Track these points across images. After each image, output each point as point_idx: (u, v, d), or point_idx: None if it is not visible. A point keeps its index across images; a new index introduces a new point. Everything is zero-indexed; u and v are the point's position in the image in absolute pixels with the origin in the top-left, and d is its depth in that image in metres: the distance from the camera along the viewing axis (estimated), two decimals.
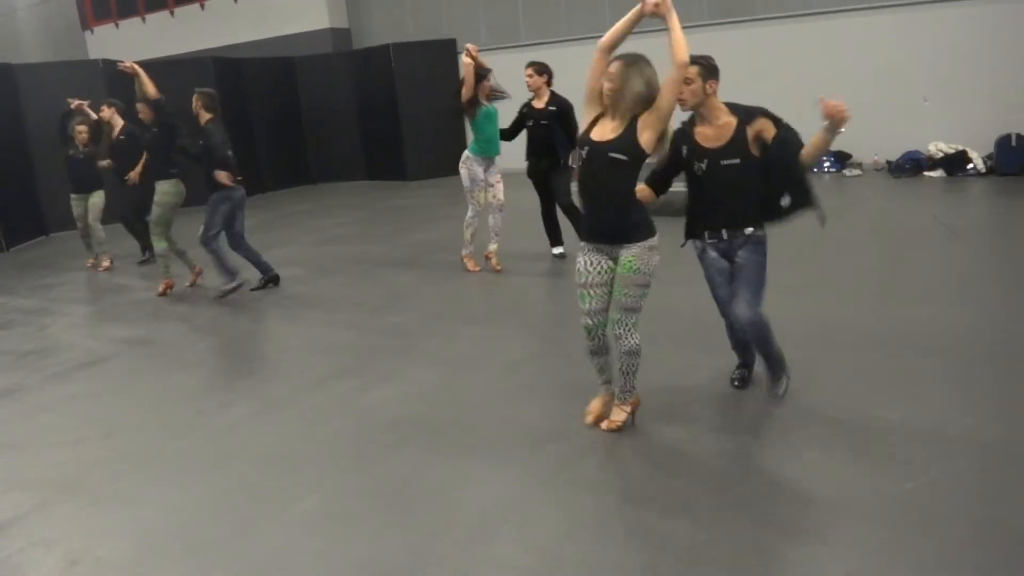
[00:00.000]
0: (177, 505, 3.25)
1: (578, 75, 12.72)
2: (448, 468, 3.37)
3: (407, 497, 3.15)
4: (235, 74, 13.74)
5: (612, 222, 3.30)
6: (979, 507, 2.73)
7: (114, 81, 11.62)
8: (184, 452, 3.78)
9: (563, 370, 4.40)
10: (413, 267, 7.31)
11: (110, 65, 11.97)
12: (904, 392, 3.70)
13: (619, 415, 3.51)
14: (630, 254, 3.28)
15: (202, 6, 16.82)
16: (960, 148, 9.88)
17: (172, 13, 17.32)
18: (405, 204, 11.69)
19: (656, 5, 3.15)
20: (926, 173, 10.00)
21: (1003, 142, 9.48)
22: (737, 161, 3.35)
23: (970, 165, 9.71)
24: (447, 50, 14.31)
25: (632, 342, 3.36)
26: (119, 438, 4.00)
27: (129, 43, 17.38)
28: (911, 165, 10.10)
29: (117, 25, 18.30)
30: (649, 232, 3.32)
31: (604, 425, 3.52)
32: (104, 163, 8.06)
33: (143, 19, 17.83)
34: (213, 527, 3.05)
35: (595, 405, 3.64)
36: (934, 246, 6.45)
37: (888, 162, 10.48)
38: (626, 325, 3.35)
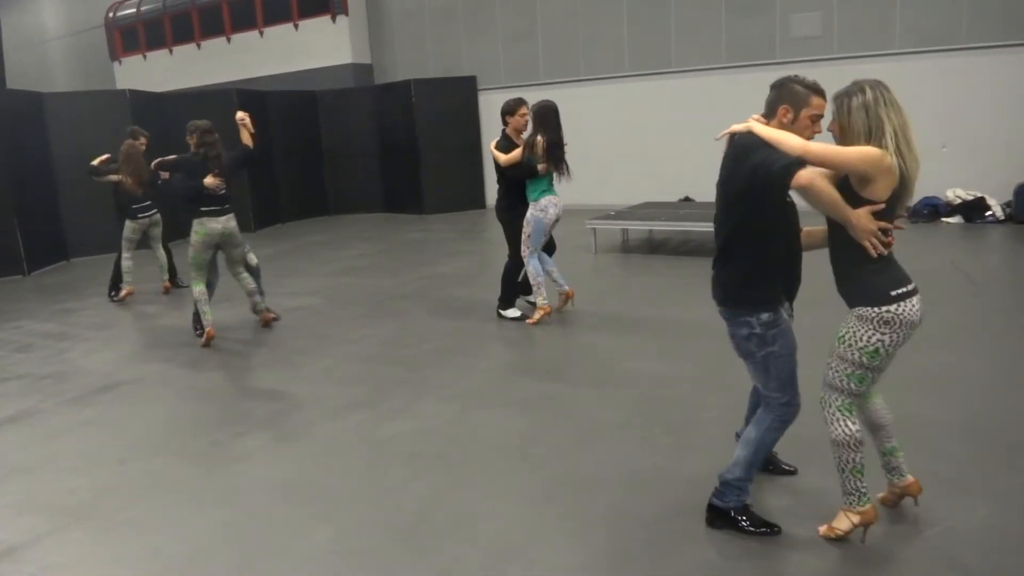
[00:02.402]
0: (189, 534, 3.24)
1: (595, 113, 12.91)
2: (461, 503, 3.35)
3: (420, 531, 3.13)
4: (259, 106, 13.96)
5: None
6: (999, 557, 2.69)
7: (140, 111, 11.89)
8: (197, 481, 3.78)
9: (578, 410, 4.38)
10: (427, 300, 7.34)
11: (137, 95, 12.25)
12: (921, 438, 3.66)
13: (839, 522, 2.83)
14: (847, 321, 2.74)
15: (228, 39, 17.18)
16: (979, 195, 9.88)
17: (199, 46, 17.70)
18: (421, 237, 11.77)
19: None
20: (944, 219, 9.98)
21: (1022, 189, 9.46)
22: None
23: (989, 212, 9.70)
24: (467, 87, 14.54)
25: (838, 430, 2.76)
26: (133, 465, 4.01)
27: (156, 74, 17.75)
28: (929, 211, 10.09)
29: (145, 57, 18.71)
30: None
31: (821, 530, 2.87)
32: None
33: (170, 51, 18.22)
34: (225, 558, 3.04)
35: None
36: (951, 293, 6.42)
37: (906, 207, 10.47)
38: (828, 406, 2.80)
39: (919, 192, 11.02)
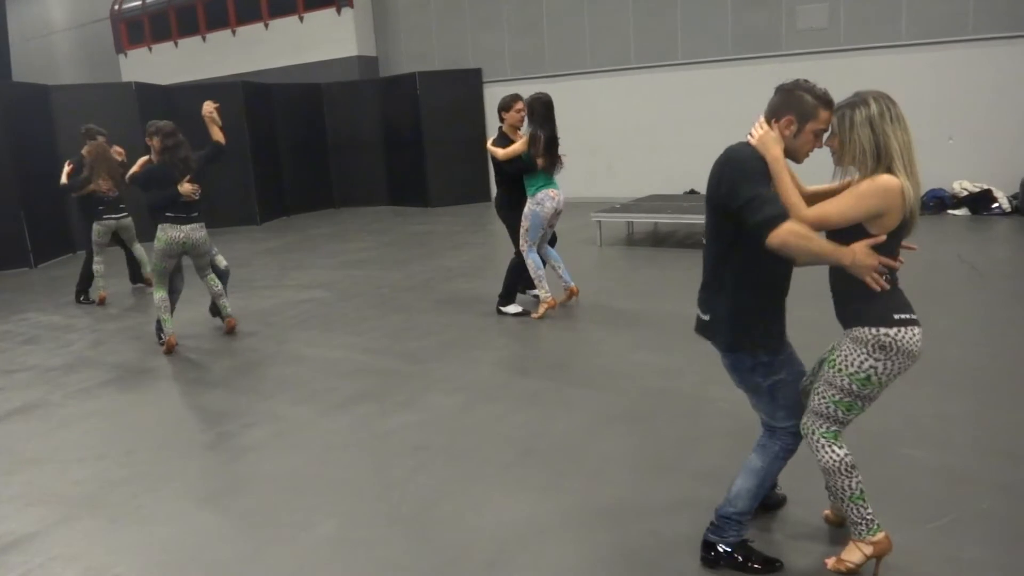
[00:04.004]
0: (196, 525, 3.26)
1: (600, 106, 12.87)
2: (466, 495, 3.36)
3: (425, 524, 3.14)
4: (264, 99, 13.99)
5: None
6: (1002, 549, 2.69)
7: (146, 103, 11.90)
8: (204, 472, 3.80)
9: (584, 403, 4.39)
10: (433, 293, 7.34)
11: (143, 88, 12.27)
12: (927, 431, 3.65)
13: (850, 554, 2.60)
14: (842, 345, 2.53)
15: (233, 32, 17.18)
16: (985, 187, 9.83)
17: (204, 38, 17.69)
18: (426, 230, 11.78)
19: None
20: (950, 211, 9.95)
21: None
22: None
23: (995, 204, 9.66)
24: (472, 80, 14.52)
25: (826, 458, 2.55)
26: (140, 456, 4.03)
27: (162, 67, 17.77)
28: (935, 203, 10.05)
29: (150, 49, 18.72)
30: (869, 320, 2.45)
31: (829, 562, 2.64)
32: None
33: (176, 44, 18.23)
34: (231, 548, 3.06)
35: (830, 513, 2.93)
36: (958, 285, 6.40)
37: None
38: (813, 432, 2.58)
39: (925, 184, 10.96)
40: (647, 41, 12.74)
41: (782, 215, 2.34)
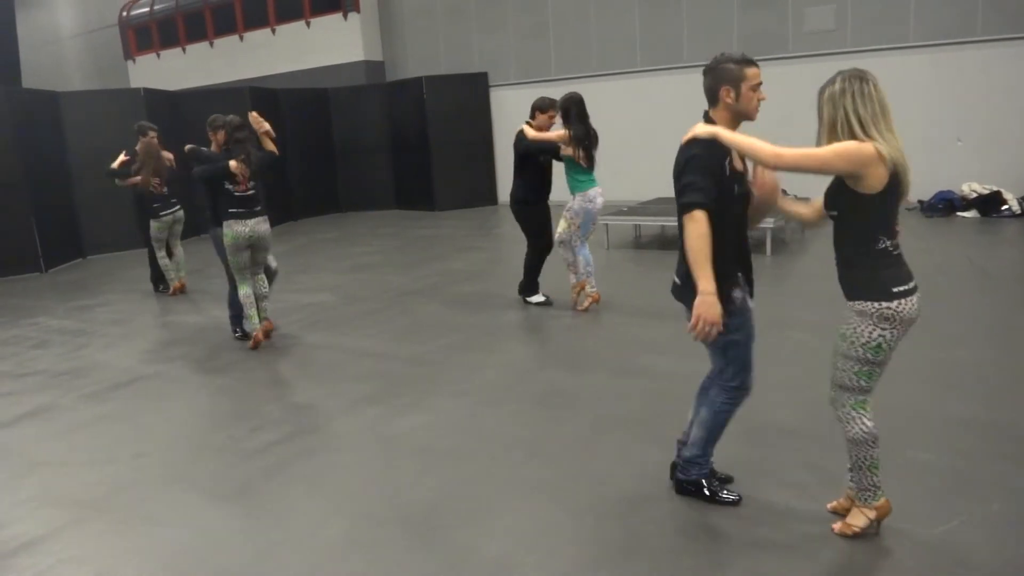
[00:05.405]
0: (205, 527, 3.28)
1: (606, 109, 12.79)
2: (474, 496, 3.37)
3: (432, 526, 3.15)
4: (272, 104, 14.03)
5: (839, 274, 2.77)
6: (1014, 551, 2.67)
7: (154, 109, 11.96)
8: (213, 475, 3.81)
9: (591, 405, 4.39)
10: (440, 296, 7.35)
11: (151, 94, 12.33)
12: (936, 433, 3.64)
13: (855, 518, 2.82)
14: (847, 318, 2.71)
15: (241, 38, 17.27)
16: (994, 188, 9.79)
17: (212, 44, 17.80)
18: (432, 234, 11.80)
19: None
20: (959, 213, 9.91)
21: None
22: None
23: (1004, 206, 9.61)
24: (478, 84, 14.55)
25: (855, 429, 2.74)
26: (150, 459, 4.05)
27: (170, 73, 17.87)
28: (944, 205, 10.01)
29: (159, 55, 18.83)
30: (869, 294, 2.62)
31: (836, 527, 2.85)
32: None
33: (184, 50, 18.33)
34: (239, 550, 3.07)
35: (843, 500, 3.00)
36: (967, 288, 6.37)
37: (921, 202, 10.41)
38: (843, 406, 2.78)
39: (934, 185, 10.89)
40: (653, 44, 12.74)
41: (694, 204, 2.73)
